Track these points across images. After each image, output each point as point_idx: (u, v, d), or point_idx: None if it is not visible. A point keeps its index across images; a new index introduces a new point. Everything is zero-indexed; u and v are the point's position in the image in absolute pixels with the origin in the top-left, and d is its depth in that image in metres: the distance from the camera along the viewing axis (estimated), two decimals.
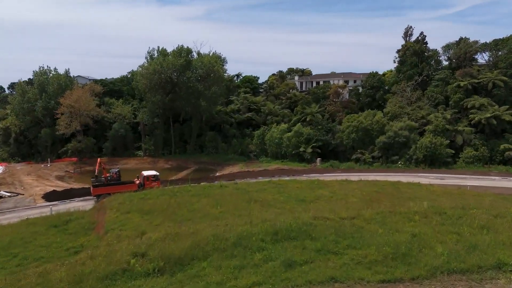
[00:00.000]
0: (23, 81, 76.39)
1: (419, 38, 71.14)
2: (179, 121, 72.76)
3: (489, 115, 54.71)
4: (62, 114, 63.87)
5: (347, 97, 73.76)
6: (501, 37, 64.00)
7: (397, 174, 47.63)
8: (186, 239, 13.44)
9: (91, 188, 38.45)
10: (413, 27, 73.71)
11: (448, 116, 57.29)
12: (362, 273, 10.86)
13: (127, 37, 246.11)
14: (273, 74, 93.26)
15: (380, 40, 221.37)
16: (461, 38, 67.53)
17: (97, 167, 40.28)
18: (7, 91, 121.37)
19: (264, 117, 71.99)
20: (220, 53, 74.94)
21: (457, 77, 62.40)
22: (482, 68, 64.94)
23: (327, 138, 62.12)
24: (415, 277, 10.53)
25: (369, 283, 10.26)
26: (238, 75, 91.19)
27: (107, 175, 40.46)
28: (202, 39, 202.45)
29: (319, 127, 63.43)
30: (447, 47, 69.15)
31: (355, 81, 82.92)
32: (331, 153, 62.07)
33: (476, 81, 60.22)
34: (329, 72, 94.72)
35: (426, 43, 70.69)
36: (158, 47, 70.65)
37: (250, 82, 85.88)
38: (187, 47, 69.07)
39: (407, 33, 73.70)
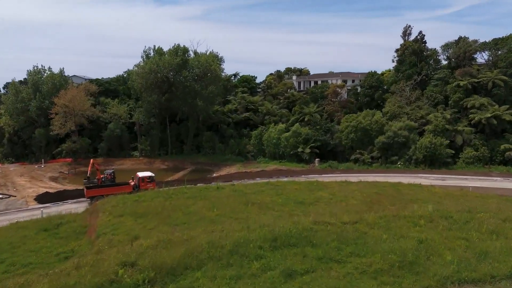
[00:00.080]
0: (17, 81, 75.29)
1: (418, 37, 70.59)
2: (176, 121, 71.89)
3: (489, 115, 54.15)
4: (56, 114, 62.92)
5: (346, 97, 73.12)
6: (501, 36, 63.57)
7: (397, 174, 47.12)
8: (179, 247, 12.70)
9: (85, 189, 37.56)
10: (411, 26, 73.31)
11: (448, 116, 56.72)
12: (368, 283, 10.29)
13: (125, 37, 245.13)
14: (271, 74, 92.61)
15: (378, 40, 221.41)
16: (460, 37, 67.00)
17: (89, 168, 39.31)
18: (2, 91, 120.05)
19: (262, 117, 71.29)
20: (217, 52, 74.20)
21: (457, 76, 61.85)
22: (481, 67, 64.47)
23: (326, 138, 61.45)
24: None
25: None
26: (235, 75, 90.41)
27: (101, 176, 39.59)
28: (200, 39, 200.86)
29: (318, 127, 62.76)
30: (446, 46, 68.59)
31: (353, 81, 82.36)
32: (330, 154, 61.40)
33: (476, 80, 59.68)
34: (327, 71, 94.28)
35: (425, 42, 70.20)
36: (154, 46, 69.82)
37: (247, 82, 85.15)
38: (184, 46, 68.27)
39: (406, 32, 73.09)
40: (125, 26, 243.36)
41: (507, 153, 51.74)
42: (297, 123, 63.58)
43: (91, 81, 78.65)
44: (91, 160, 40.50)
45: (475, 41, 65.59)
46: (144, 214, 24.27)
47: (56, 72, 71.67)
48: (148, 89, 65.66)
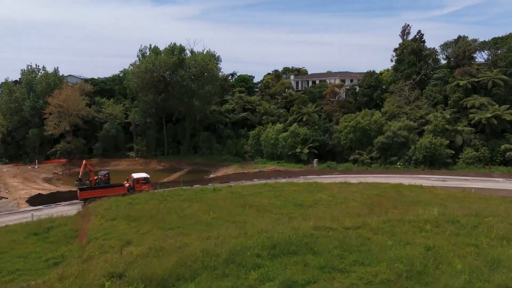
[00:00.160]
0: (11, 81, 74.08)
1: (417, 36, 70.00)
2: (172, 121, 71.00)
3: (489, 114, 53.55)
4: (50, 114, 61.95)
5: (344, 97, 72.40)
6: (500, 36, 63.06)
7: (397, 175, 46.49)
8: (171, 255, 11.89)
9: (78, 191, 36.62)
10: (410, 25, 72.68)
11: (448, 116, 56.10)
12: None
13: (122, 37, 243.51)
14: (269, 74, 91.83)
15: (375, 41, 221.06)
16: (459, 37, 66.42)
17: (81, 170, 38.22)
18: None
19: (260, 117, 70.50)
20: (214, 52, 73.38)
21: (456, 76, 61.28)
22: (481, 67, 63.93)
23: (324, 139, 60.71)
24: None
25: None
26: (232, 74, 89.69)
27: (96, 177, 38.65)
28: (197, 38, 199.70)
29: (316, 127, 62.02)
30: (445, 46, 67.98)
31: (351, 80, 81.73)
32: (328, 154, 60.68)
33: (476, 80, 59.10)
34: (325, 71, 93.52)
35: (424, 41, 69.61)
36: (150, 45, 68.99)
37: (245, 81, 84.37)
38: (180, 45, 67.36)
39: (405, 32, 72.48)
40: (122, 26, 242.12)
41: (507, 153, 51.15)
42: (295, 123, 62.82)
43: (86, 80, 77.60)
44: (84, 161, 39.48)
45: (475, 40, 65.03)
46: (138, 218, 23.43)
47: (50, 72, 70.61)
48: (144, 88, 64.74)
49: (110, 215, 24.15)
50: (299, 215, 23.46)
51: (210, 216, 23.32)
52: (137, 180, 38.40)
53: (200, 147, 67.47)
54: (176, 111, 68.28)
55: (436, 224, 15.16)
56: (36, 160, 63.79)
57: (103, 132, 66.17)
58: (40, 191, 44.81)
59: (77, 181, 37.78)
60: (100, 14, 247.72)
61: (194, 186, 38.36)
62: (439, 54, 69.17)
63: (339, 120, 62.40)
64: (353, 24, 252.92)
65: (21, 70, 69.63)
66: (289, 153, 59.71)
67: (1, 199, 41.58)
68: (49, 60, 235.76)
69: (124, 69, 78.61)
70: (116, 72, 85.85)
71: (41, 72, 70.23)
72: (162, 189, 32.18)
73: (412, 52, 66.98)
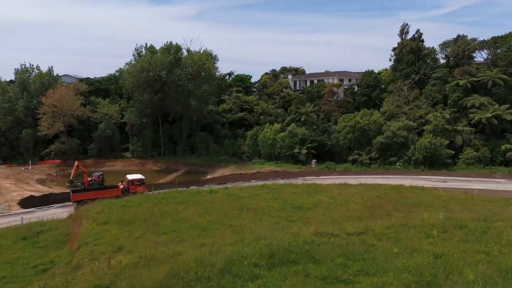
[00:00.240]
0: (5, 81, 72.96)
1: (416, 36, 69.37)
2: (169, 121, 70.09)
3: (489, 114, 52.96)
4: (44, 114, 60.93)
5: (342, 96, 71.68)
6: (499, 35, 62.56)
7: (397, 176, 45.78)
8: (162, 265, 11.06)
9: (71, 193, 35.65)
10: (409, 24, 72.01)
11: (447, 116, 55.48)
12: None
13: (119, 37, 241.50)
14: (266, 73, 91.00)
15: (373, 40, 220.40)
16: (458, 36, 65.90)
17: (73, 171, 37.08)
18: None
19: (257, 117, 69.70)
20: (211, 51, 72.45)
21: (456, 75, 60.68)
22: (480, 66, 63.36)
23: (323, 139, 59.95)
24: None
25: None
26: (230, 74, 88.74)
27: (90, 179, 37.68)
28: (193, 37, 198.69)
29: (314, 127, 61.26)
30: (444, 45, 67.43)
31: (350, 80, 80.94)
32: (327, 154, 59.92)
33: (475, 79, 58.50)
34: (323, 71, 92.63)
35: (423, 41, 69.00)
36: (146, 44, 68.11)
37: (242, 81, 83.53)
38: (176, 44, 66.53)
39: (403, 31, 71.79)
40: (120, 26, 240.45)
41: (508, 153, 50.56)
42: (293, 123, 62.04)
43: (81, 80, 76.51)
44: (76, 162, 38.41)
45: (474, 40, 64.50)
46: (131, 221, 22.58)
47: (44, 71, 69.54)
48: (140, 88, 63.82)
49: (102, 219, 23.31)
50: (298, 219, 22.73)
51: (206, 220, 22.55)
52: (132, 181, 37.49)
53: (197, 147, 66.60)
54: (173, 111, 67.40)
55: (443, 230, 14.41)
56: (30, 161, 62.73)
57: (98, 133, 65.20)
58: (33, 193, 43.75)
59: (68, 183, 36.75)
60: (98, 14, 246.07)
61: (190, 187, 37.49)
62: (438, 54, 68.73)
63: (337, 120, 61.66)
64: (352, 24, 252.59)
65: (15, 69, 68.63)
66: (287, 153, 58.92)
67: None
68: (48, 60, 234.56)
69: (120, 69, 77.72)
70: (113, 71, 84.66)
71: (35, 72, 69.19)
72: (157, 191, 31.30)
73: (411, 51, 66.36)
